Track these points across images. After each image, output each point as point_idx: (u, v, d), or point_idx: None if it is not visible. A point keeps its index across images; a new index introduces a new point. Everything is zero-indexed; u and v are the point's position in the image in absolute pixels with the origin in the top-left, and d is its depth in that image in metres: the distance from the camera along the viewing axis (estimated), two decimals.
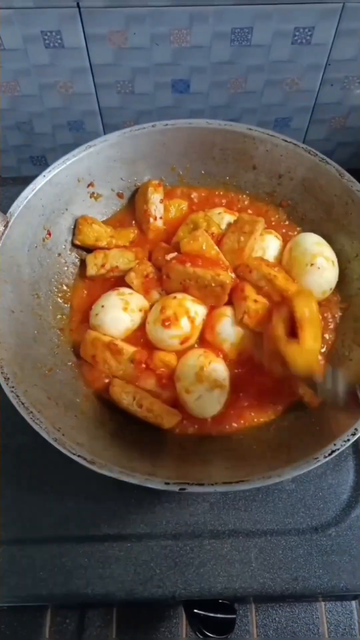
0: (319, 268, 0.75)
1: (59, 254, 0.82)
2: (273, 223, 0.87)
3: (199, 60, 0.92)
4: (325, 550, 0.73)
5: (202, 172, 0.88)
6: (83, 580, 0.72)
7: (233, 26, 0.87)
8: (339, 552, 0.73)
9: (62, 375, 0.73)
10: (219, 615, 0.76)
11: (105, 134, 1.05)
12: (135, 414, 0.70)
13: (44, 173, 0.77)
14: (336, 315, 0.78)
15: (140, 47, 0.90)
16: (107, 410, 0.72)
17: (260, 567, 0.72)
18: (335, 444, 0.60)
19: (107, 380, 0.73)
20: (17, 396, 0.62)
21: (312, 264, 0.75)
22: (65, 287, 0.82)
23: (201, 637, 0.76)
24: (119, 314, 0.75)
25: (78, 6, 0.83)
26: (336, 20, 0.86)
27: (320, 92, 1.00)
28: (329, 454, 0.59)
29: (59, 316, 0.79)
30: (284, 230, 0.85)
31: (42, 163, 1.14)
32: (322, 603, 0.90)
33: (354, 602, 0.89)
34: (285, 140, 0.81)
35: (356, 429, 0.61)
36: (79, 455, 0.59)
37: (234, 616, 0.77)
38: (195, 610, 0.75)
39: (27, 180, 0.78)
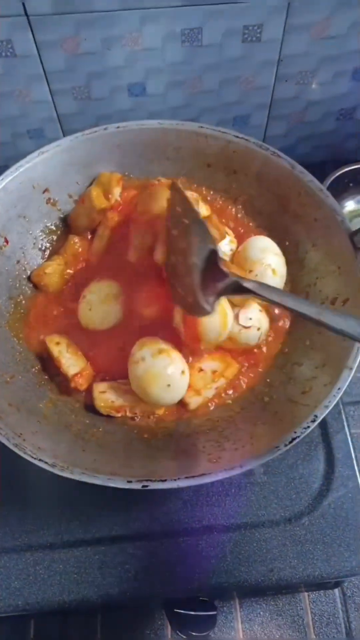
0: (256, 275, 0.75)
1: (18, 261, 0.81)
2: (231, 223, 0.87)
3: (153, 62, 0.93)
4: (299, 540, 0.73)
5: (159, 172, 0.88)
6: (58, 587, 0.71)
7: (183, 27, 0.88)
8: (313, 541, 0.73)
9: (25, 382, 0.72)
10: (199, 613, 0.76)
11: None
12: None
13: None
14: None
15: (92, 52, 0.90)
16: (72, 413, 0.72)
17: (236, 561, 0.72)
18: (295, 432, 0.60)
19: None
20: None
21: (250, 271, 0.76)
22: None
23: (184, 637, 0.76)
24: None
25: (26, 14, 0.83)
26: (284, 16, 0.87)
27: (276, 88, 1.01)
28: (290, 442, 0.60)
29: (17, 324, 0.79)
30: (241, 230, 0.86)
31: None
32: (306, 594, 0.90)
33: (336, 591, 0.90)
34: (237, 137, 0.81)
35: (315, 416, 0.62)
36: (39, 459, 0.59)
37: (214, 613, 0.77)
38: (176, 610, 0.75)
39: None
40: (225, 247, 0.79)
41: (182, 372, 0.69)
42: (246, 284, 0.61)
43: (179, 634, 0.77)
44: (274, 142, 1.11)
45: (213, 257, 0.61)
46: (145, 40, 0.89)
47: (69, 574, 0.72)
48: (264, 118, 1.09)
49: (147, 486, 0.57)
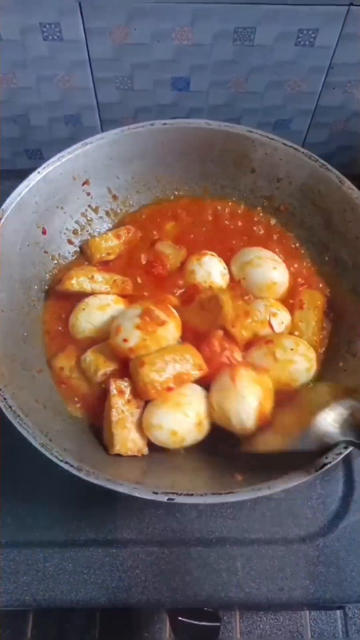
0: None
1: (46, 252, 0.80)
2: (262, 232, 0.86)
3: (200, 58, 0.91)
4: (312, 561, 0.72)
5: (201, 173, 0.86)
6: (67, 585, 0.71)
7: (236, 25, 0.85)
8: (326, 563, 0.72)
9: (51, 377, 0.71)
10: (203, 623, 0.76)
11: (102, 129, 1.04)
12: None
13: (38, 169, 0.75)
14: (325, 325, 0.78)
15: (141, 43, 0.88)
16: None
17: (247, 576, 0.71)
18: (326, 457, 0.59)
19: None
20: (5, 399, 0.61)
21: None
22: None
23: None
24: None
25: None
26: (341, 23, 0.84)
27: (322, 95, 0.99)
28: (320, 467, 0.59)
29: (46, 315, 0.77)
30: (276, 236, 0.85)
31: (37, 156, 1.12)
32: (307, 612, 0.89)
33: (338, 612, 0.89)
34: (285, 144, 0.79)
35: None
36: (65, 462, 0.58)
37: (218, 624, 0.77)
38: (180, 618, 0.75)
39: (21, 174, 0.76)
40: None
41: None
42: None
43: None
44: (313, 149, 1.07)
45: None
46: (195, 36, 0.87)
47: (78, 573, 0.71)
48: (306, 124, 1.07)
49: (172, 499, 0.56)
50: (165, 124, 0.81)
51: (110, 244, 0.83)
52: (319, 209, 0.81)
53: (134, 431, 0.66)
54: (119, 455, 0.66)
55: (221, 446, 0.68)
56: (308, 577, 0.72)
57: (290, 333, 0.77)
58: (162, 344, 0.68)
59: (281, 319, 0.76)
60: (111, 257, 0.84)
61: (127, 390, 0.67)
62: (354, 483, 0.77)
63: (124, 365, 0.69)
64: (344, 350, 0.73)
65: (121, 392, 0.67)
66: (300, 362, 0.70)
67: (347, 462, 0.78)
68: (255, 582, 0.71)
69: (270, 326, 0.74)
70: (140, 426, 0.67)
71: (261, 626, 0.89)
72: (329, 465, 0.59)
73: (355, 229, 0.76)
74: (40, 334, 0.75)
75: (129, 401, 0.67)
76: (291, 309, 0.78)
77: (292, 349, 0.70)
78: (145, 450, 0.67)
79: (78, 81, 0.95)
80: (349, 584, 0.71)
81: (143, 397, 0.67)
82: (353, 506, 0.75)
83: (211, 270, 0.80)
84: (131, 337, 0.66)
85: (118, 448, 0.65)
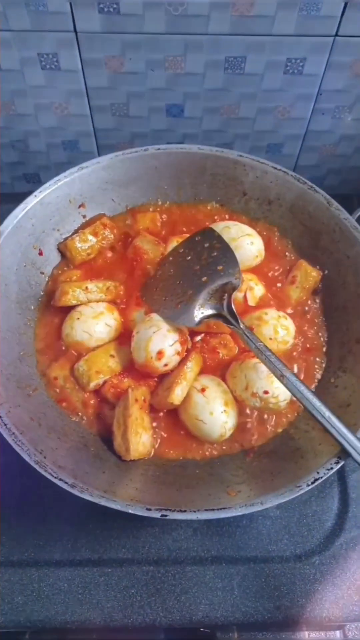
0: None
1: (42, 272, 0.82)
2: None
3: (193, 86, 0.94)
4: (309, 579, 0.72)
5: (194, 197, 0.89)
6: (62, 605, 0.70)
7: (227, 55, 0.89)
8: (322, 581, 0.72)
9: (47, 396, 0.72)
10: None
11: (99, 153, 1.07)
12: None
13: (35, 193, 0.77)
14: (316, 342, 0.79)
15: (135, 72, 0.91)
16: (91, 433, 0.72)
17: (243, 595, 0.71)
18: (318, 472, 0.60)
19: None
20: (0, 417, 0.62)
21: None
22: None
23: None
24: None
25: (75, 31, 0.84)
26: (327, 52, 0.88)
27: (312, 121, 1.02)
28: (312, 482, 0.59)
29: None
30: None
31: (35, 180, 1.15)
32: (307, 632, 0.88)
33: (338, 632, 0.88)
34: (275, 168, 0.82)
35: (339, 458, 0.61)
36: (60, 479, 0.58)
37: None
38: None
39: (20, 197, 0.78)
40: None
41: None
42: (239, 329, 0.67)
43: None
44: (304, 172, 1.12)
45: (229, 289, 0.68)
46: (188, 65, 0.90)
47: (73, 593, 0.71)
48: (297, 148, 1.10)
49: (166, 516, 0.56)
50: (158, 149, 0.83)
51: (88, 244, 0.83)
52: (309, 229, 0.83)
53: (144, 435, 0.70)
54: (131, 461, 0.68)
55: (215, 464, 0.69)
56: (304, 596, 0.71)
57: None
58: None
59: (257, 292, 0.79)
60: (92, 256, 0.84)
61: (142, 399, 0.71)
62: (349, 499, 0.77)
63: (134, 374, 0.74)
64: (336, 367, 0.74)
65: (136, 401, 0.71)
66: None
67: (342, 478, 0.78)
68: (252, 601, 0.71)
69: (245, 299, 0.78)
70: (147, 429, 0.71)
71: None
72: (320, 480, 0.59)
73: (344, 248, 0.78)
74: (34, 352, 0.76)
75: (141, 408, 0.71)
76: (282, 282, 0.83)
77: (270, 339, 0.75)
78: (152, 453, 0.71)
79: (75, 108, 0.98)
80: (345, 602, 0.71)
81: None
82: (348, 523, 0.75)
83: None
84: (171, 362, 0.73)
85: (133, 453, 0.68)
